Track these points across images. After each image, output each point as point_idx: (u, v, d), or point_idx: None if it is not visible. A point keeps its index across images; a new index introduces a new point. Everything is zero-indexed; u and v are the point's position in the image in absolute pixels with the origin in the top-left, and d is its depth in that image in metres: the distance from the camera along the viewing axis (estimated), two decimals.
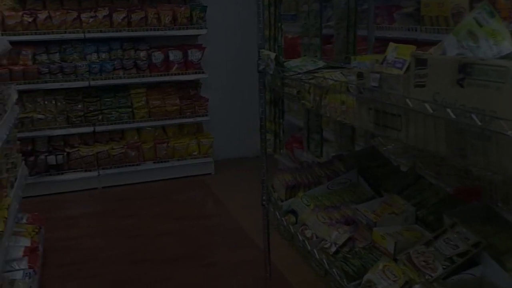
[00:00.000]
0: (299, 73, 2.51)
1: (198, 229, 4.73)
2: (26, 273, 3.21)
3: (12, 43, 5.27)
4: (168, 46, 6.09)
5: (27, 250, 3.40)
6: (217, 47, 6.45)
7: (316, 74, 2.40)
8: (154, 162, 6.05)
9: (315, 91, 2.41)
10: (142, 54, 5.91)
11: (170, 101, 6.10)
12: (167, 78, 6.02)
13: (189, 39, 6.27)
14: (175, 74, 6.03)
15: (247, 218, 4.86)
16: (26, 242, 3.55)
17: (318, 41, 3.12)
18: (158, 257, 4.18)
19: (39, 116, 5.57)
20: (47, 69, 5.54)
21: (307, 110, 3.44)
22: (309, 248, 2.37)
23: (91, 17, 5.60)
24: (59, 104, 5.73)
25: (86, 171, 5.78)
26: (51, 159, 5.57)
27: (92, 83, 5.70)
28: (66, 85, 5.63)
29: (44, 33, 5.47)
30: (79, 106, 5.78)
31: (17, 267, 3.24)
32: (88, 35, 5.60)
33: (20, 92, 5.50)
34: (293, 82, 2.67)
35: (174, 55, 6.02)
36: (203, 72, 6.15)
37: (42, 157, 5.57)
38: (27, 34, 5.42)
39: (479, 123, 1.41)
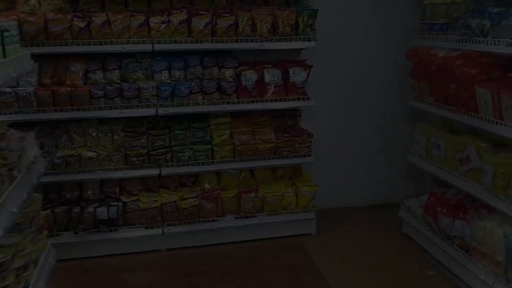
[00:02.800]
0: None
1: None
2: None
3: (58, 56, 3.95)
4: (263, 63, 4.51)
5: None
6: (324, 65, 4.79)
7: None
8: (237, 218, 4.50)
9: None
10: (229, 73, 4.35)
11: (262, 136, 4.52)
12: (260, 106, 4.43)
13: (289, 53, 4.65)
14: (271, 101, 4.43)
15: None
16: None
17: None
18: None
19: (89, 153, 4.15)
20: (102, 92, 4.10)
21: None
22: None
23: (163, 22, 4.11)
24: (116, 137, 4.30)
25: (146, 227, 4.32)
26: (102, 213, 4.14)
27: (161, 110, 4.22)
28: (126, 112, 4.17)
29: (100, 43, 4.04)
30: (142, 140, 4.31)
31: None
32: (158, 47, 4.12)
33: (67, 121, 4.16)
34: None
35: (271, 75, 4.42)
36: (308, 98, 4.51)
37: (91, 209, 4.14)
38: (77, 45, 4.00)
39: None
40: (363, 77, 5.01)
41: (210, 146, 4.39)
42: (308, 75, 4.50)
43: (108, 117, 4.18)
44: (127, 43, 4.07)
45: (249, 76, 4.35)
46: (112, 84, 4.15)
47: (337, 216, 5.02)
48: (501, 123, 3.42)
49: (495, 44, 3.42)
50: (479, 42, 3.59)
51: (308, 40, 4.39)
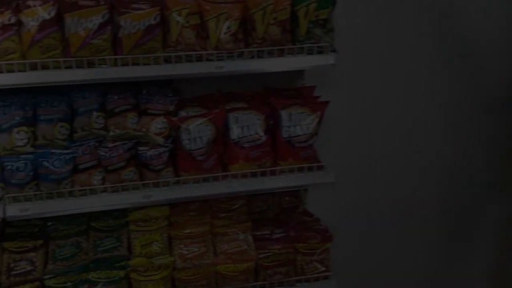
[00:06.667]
0: None
1: None
2: None
3: None
4: (227, 99, 2.29)
5: None
6: (350, 99, 2.60)
7: None
8: None
9: None
10: (157, 125, 2.15)
11: (229, 245, 2.31)
12: (222, 188, 2.19)
13: (281, 78, 2.38)
14: (244, 176, 2.20)
15: None
16: None
17: None
18: None
19: None
20: None
21: None
22: None
23: (4, 27, 1.93)
24: None
25: None
26: None
27: (13, 210, 2.04)
28: None
29: None
30: None
31: None
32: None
33: None
34: None
35: (244, 125, 2.20)
36: (320, 168, 2.26)
37: None
38: None
39: None
40: (427, 115, 2.75)
41: (124, 272, 2.19)
42: (319, 122, 2.25)
43: None
44: None
45: (197, 131, 2.12)
46: None
47: None
48: None
49: None
50: None
51: (319, 53, 2.13)
